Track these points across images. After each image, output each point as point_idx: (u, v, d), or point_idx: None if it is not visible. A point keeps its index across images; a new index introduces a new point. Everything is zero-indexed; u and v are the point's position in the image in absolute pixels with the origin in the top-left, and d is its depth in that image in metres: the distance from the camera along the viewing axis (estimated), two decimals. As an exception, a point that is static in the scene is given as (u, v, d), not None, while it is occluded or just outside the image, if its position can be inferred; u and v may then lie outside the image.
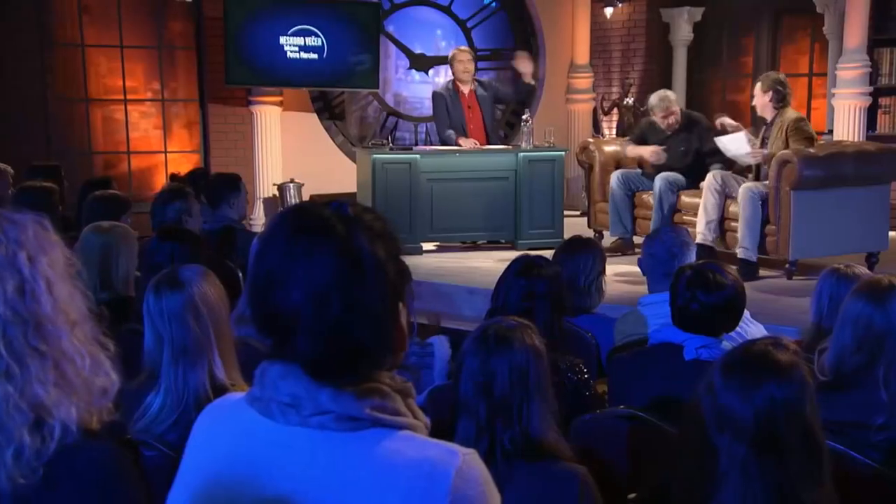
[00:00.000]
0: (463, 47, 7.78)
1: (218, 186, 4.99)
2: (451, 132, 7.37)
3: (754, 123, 9.52)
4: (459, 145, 7.31)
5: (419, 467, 1.12)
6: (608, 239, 7.36)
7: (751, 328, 3.32)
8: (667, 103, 6.79)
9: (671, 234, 3.64)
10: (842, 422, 2.28)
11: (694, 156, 6.77)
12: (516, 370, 2.01)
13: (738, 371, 1.67)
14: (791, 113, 6.24)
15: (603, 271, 3.61)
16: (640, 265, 3.73)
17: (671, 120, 6.78)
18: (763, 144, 6.28)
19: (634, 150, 7.04)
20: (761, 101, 6.26)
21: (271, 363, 1.18)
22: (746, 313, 3.45)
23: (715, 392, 1.66)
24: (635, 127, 7.56)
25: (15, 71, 8.00)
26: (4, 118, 7.88)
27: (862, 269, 3.06)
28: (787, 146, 6.05)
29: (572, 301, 3.53)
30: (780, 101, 6.18)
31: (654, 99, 6.90)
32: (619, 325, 3.53)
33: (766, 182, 6.04)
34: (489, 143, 7.45)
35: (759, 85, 6.31)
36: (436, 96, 7.52)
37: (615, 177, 7.05)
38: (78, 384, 1.21)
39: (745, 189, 6.04)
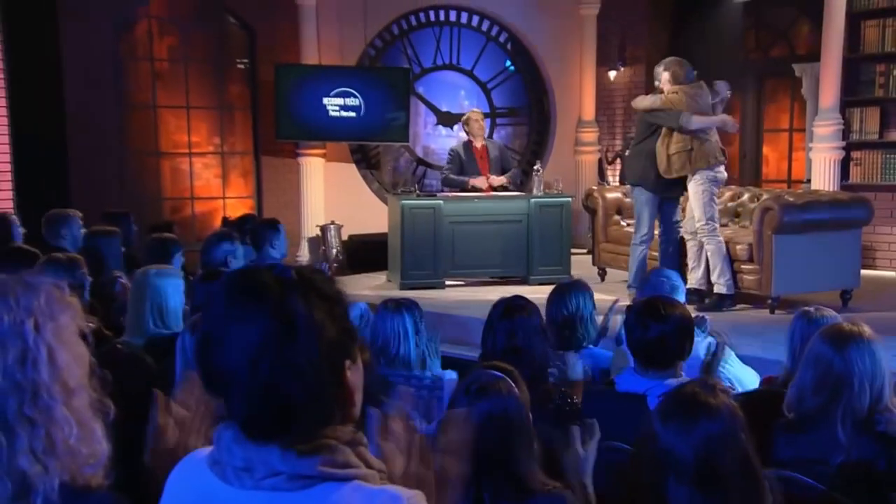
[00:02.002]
0: (476, 109, 7.82)
1: (260, 230, 4.95)
2: (459, 178, 7.38)
3: (741, 173, 9.43)
4: (472, 185, 7.32)
5: None
6: (611, 277, 7.25)
7: (734, 368, 3.17)
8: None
9: (661, 279, 3.51)
10: (804, 459, 2.17)
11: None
12: (496, 420, 1.90)
13: (673, 415, 1.61)
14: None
15: (594, 308, 3.50)
16: None
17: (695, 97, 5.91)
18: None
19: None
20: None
21: (226, 427, 1.10)
22: (731, 353, 3.31)
23: (655, 438, 1.59)
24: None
25: (97, 129, 8.10)
26: (87, 170, 7.96)
27: (830, 312, 2.92)
28: None
29: (573, 339, 3.42)
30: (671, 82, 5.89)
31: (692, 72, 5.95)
32: (614, 360, 3.42)
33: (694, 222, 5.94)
34: (495, 191, 7.43)
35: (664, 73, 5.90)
36: (452, 151, 7.57)
37: (641, 249, 6.18)
38: (64, 453, 1.13)
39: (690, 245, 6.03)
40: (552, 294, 3.52)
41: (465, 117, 7.63)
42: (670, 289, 3.37)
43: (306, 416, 1.07)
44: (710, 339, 2.73)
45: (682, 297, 3.42)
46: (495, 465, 1.90)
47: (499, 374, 2.00)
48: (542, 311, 3.41)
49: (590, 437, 1.99)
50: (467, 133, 7.51)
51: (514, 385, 1.97)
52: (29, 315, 1.16)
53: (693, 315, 3.12)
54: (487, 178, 7.33)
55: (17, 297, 1.16)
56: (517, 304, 2.84)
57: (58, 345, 1.15)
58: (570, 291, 3.44)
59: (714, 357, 2.65)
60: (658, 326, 2.51)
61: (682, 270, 6.22)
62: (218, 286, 1.12)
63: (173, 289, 3.45)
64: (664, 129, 5.89)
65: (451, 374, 2.96)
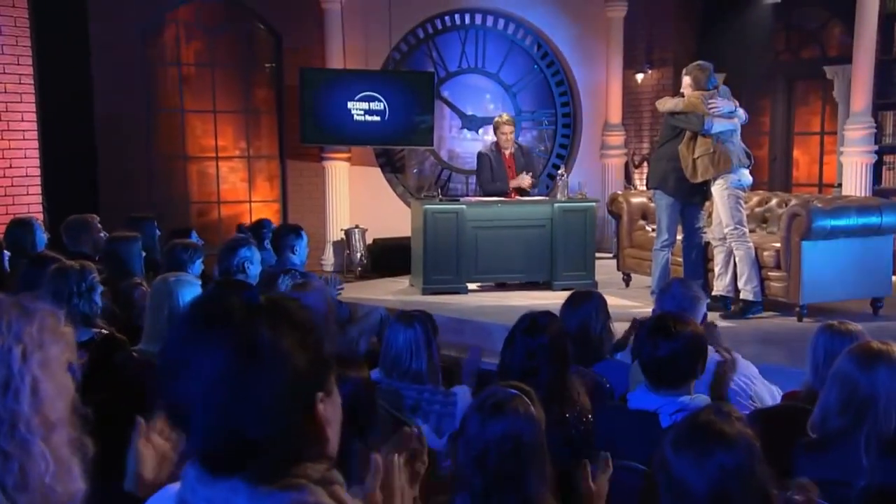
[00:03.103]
0: (506, 116, 7.51)
1: (282, 235, 4.93)
2: (497, 185, 7.28)
3: (771, 177, 9.25)
4: (511, 188, 7.22)
5: None
6: (636, 283, 7.14)
7: (756, 385, 3.07)
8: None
9: (681, 290, 3.37)
10: (825, 481, 2.07)
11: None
12: (510, 440, 1.83)
13: (687, 444, 1.53)
14: None
15: (609, 317, 3.41)
16: None
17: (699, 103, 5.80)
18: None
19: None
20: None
21: (191, 464, 1.04)
22: (754, 370, 3.21)
23: (668, 466, 1.50)
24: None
25: (125, 133, 8.17)
26: (116, 174, 8.02)
27: (855, 326, 2.81)
28: None
29: (588, 351, 3.34)
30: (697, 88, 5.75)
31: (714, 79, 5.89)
32: (632, 373, 3.32)
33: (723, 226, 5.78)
34: (521, 196, 7.34)
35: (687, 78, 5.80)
36: (481, 155, 7.43)
37: (663, 254, 6.05)
38: (37, 490, 1.08)
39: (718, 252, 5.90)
40: (564, 306, 3.43)
41: (495, 123, 7.46)
42: (690, 300, 3.26)
43: (270, 452, 1.00)
44: (715, 356, 2.62)
45: (702, 309, 3.31)
46: (506, 486, 1.84)
47: (514, 391, 1.92)
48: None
49: (602, 472, 1.91)
50: (496, 141, 7.37)
51: (530, 404, 1.90)
52: (18, 342, 1.11)
53: (707, 323, 3.04)
54: (515, 179, 7.26)
55: (10, 321, 1.12)
56: (541, 323, 2.73)
57: (43, 376, 1.11)
58: (582, 302, 3.36)
59: (716, 377, 2.55)
60: (668, 345, 2.41)
61: (707, 276, 6.12)
62: (181, 313, 1.07)
63: (190, 297, 3.44)
64: (688, 133, 5.79)
65: (463, 389, 2.90)
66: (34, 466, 1.06)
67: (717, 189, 5.77)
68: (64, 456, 1.10)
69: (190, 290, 3.44)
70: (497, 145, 7.34)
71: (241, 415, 0.98)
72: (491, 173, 7.30)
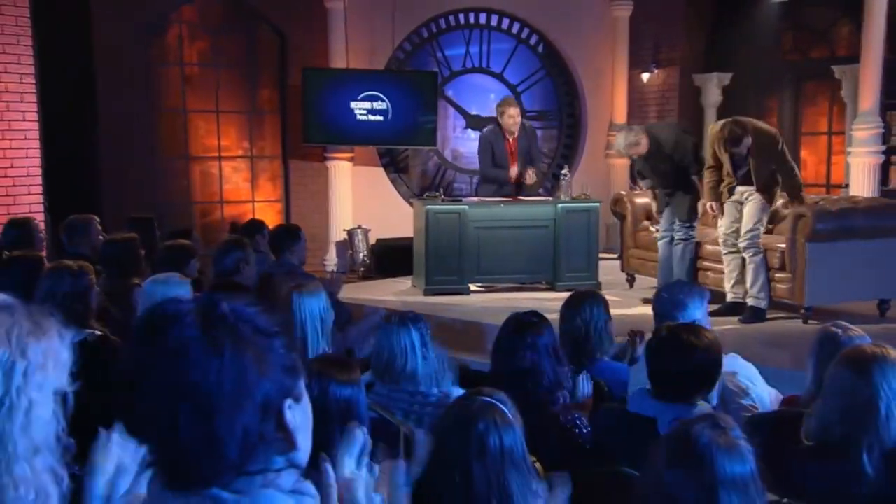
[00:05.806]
0: (512, 100, 7.40)
1: (279, 236, 4.89)
2: (500, 171, 7.15)
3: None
4: (511, 177, 7.12)
5: None
6: (640, 283, 7.09)
7: (756, 387, 3.00)
8: (626, 150, 6.32)
9: (669, 294, 3.27)
10: (825, 490, 2.01)
11: (672, 167, 6.27)
12: (486, 452, 1.75)
13: (681, 453, 1.46)
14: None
15: (609, 318, 3.35)
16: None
17: (634, 153, 6.30)
18: (744, 161, 5.74)
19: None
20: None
21: (155, 476, 0.99)
22: (754, 371, 3.13)
23: (660, 480, 1.45)
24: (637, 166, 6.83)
25: (128, 133, 8.15)
26: (118, 174, 8.01)
27: (856, 331, 2.73)
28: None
29: (587, 351, 3.29)
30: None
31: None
32: (632, 375, 3.25)
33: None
34: (518, 191, 7.24)
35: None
36: (482, 139, 7.29)
37: (659, 245, 6.45)
38: None
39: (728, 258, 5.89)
40: (564, 305, 3.36)
41: (500, 108, 7.19)
42: (680, 304, 3.14)
43: (239, 463, 0.96)
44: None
45: (696, 312, 3.21)
46: (492, 496, 1.77)
47: (487, 399, 1.84)
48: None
49: (559, 489, 1.84)
50: (500, 124, 7.16)
51: (507, 413, 1.83)
52: (23, 357, 1.07)
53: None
54: (515, 172, 7.13)
55: (20, 335, 1.07)
56: (528, 322, 2.67)
57: (38, 398, 1.07)
58: (582, 302, 3.30)
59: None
60: (676, 363, 2.31)
61: (694, 273, 6.22)
62: (134, 326, 1.02)
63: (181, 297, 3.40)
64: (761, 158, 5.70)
65: (459, 391, 2.84)
66: (14, 490, 1.02)
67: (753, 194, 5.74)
68: (44, 482, 1.06)
69: (178, 291, 3.39)
70: (501, 128, 7.14)
71: (206, 426, 0.94)
72: (492, 158, 7.20)
